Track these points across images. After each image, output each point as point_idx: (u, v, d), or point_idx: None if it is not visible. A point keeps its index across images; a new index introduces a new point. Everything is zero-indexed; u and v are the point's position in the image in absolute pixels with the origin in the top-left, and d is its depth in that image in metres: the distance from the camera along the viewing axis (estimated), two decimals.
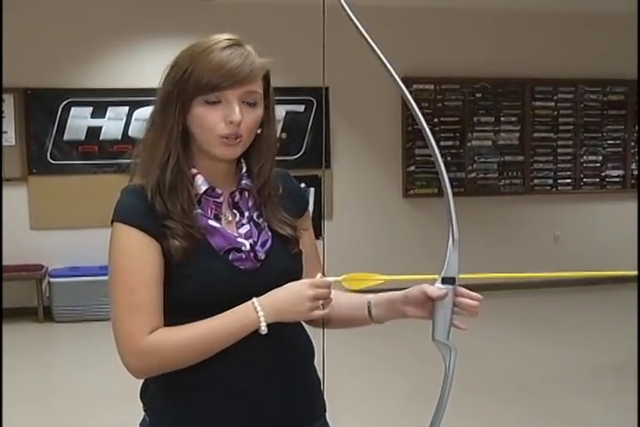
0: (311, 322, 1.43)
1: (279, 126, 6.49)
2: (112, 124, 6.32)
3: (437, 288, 1.25)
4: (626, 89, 7.29)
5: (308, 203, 1.49)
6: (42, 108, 6.20)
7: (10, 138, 6.18)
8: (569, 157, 7.30)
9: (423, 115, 1.28)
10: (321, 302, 1.26)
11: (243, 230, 1.34)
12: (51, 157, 6.25)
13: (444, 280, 1.25)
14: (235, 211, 1.36)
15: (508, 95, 7.10)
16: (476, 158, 7.05)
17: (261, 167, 1.37)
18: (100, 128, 6.33)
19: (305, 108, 6.65)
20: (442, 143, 6.62)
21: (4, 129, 6.14)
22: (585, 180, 7.36)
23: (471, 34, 6.88)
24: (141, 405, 1.40)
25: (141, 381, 1.37)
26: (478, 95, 7.03)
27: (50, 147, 6.25)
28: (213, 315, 1.25)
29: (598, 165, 7.37)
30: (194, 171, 1.32)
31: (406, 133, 6.85)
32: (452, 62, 6.82)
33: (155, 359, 1.25)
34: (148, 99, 1.37)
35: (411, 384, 4.30)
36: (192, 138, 1.32)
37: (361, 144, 6.79)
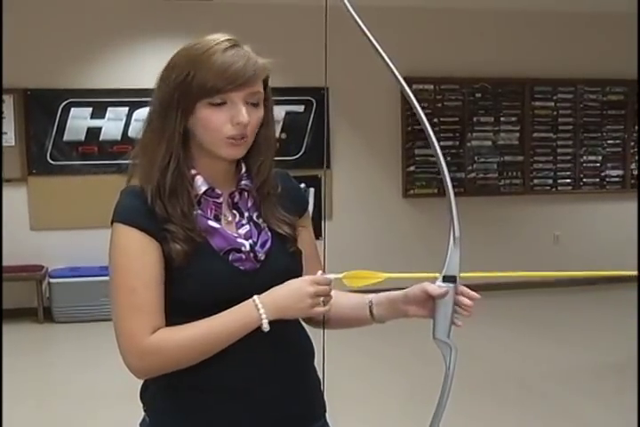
0: (311, 322, 1.43)
1: (279, 127, 6.50)
2: (112, 125, 6.32)
3: (438, 286, 1.25)
4: (625, 89, 7.29)
5: (307, 203, 1.49)
6: (41, 108, 6.20)
7: (10, 138, 6.17)
8: (569, 157, 7.30)
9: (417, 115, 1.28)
10: (322, 298, 1.26)
11: (242, 231, 1.34)
12: (50, 158, 6.25)
13: (445, 278, 1.25)
14: (234, 211, 1.36)
15: (507, 95, 7.10)
16: (475, 158, 7.05)
17: (260, 167, 1.37)
18: (100, 129, 6.32)
19: (305, 109, 6.65)
20: (442, 143, 6.51)
21: (4, 130, 6.14)
22: (585, 180, 7.36)
23: (471, 34, 6.88)
24: (141, 405, 1.40)
25: (141, 381, 1.37)
26: (478, 95, 7.04)
27: (49, 147, 6.25)
28: (213, 315, 1.25)
29: (598, 164, 7.38)
30: (193, 171, 1.32)
31: (406, 133, 6.85)
32: (451, 62, 6.82)
33: (156, 359, 1.25)
34: (148, 99, 1.36)
35: (411, 384, 4.30)
36: (193, 139, 1.31)
37: (361, 144, 6.79)
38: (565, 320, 5.94)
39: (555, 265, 6.60)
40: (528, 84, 7.09)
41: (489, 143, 7.09)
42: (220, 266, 1.29)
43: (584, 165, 7.35)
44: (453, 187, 1.27)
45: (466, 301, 1.26)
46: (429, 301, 1.28)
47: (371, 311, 1.38)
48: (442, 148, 1.28)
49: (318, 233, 1.52)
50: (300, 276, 1.34)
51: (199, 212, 1.31)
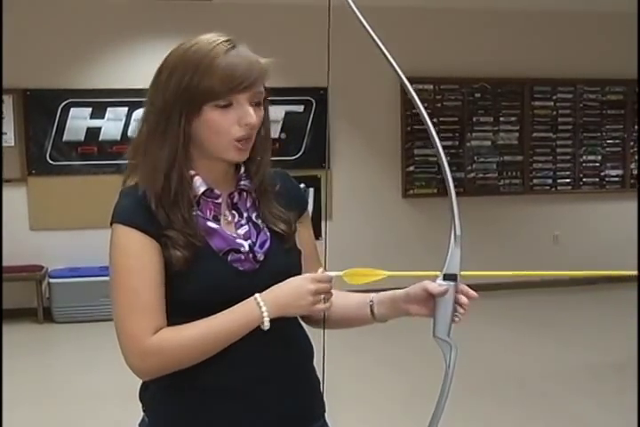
0: (311, 322, 1.43)
1: (278, 127, 6.50)
2: (111, 125, 6.32)
3: (439, 285, 1.25)
4: (625, 89, 7.30)
5: (307, 202, 1.49)
6: (41, 108, 6.19)
7: (9, 139, 6.17)
8: (568, 157, 7.30)
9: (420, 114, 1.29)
10: (322, 296, 1.26)
11: (241, 231, 1.34)
12: (50, 158, 6.25)
13: (446, 277, 1.25)
14: (233, 211, 1.36)
15: (507, 95, 7.10)
16: (475, 158, 7.05)
17: (259, 167, 1.37)
18: (100, 129, 6.32)
19: (304, 109, 6.65)
20: (441, 143, 6.61)
21: (4, 130, 6.14)
22: (584, 179, 7.36)
23: (470, 34, 6.88)
24: (140, 405, 1.40)
25: (140, 381, 1.37)
26: (477, 95, 7.04)
27: (49, 147, 6.25)
28: (213, 315, 1.25)
29: (597, 164, 7.37)
30: (192, 172, 1.31)
31: (405, 134, 6.85)
32: (451, 62, 6.82)
33: (159, 360, 1.25)
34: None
35: (411, 384, 4.30)
36: (193, 141, 1.30)
37: (360, 144, 6.79)
38: (565, 320, 5.94)
39: (554, 265, 6.60)
40: (527, 83, 7.09)
41: (488, 143, 7.10)
42: (220, 267, 1.29)
43: (583, 164, 7.34)
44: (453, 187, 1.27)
45: (463, 299, 1.26)
46: (430, 299, 1.27)
47: (372, 310, 1.37)
48: (442, 147, 1.28)
49: (318, 233, 1.52)
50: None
51: (198, 213, 1.31)
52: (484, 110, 7.07)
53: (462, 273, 1.25)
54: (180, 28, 5.63)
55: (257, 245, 1.33)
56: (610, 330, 5.43)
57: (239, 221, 1.35)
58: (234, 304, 1.25)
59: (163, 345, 1.24)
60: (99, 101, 6.28)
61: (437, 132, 1.29)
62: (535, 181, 7.25)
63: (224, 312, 1.25)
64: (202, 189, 1.31)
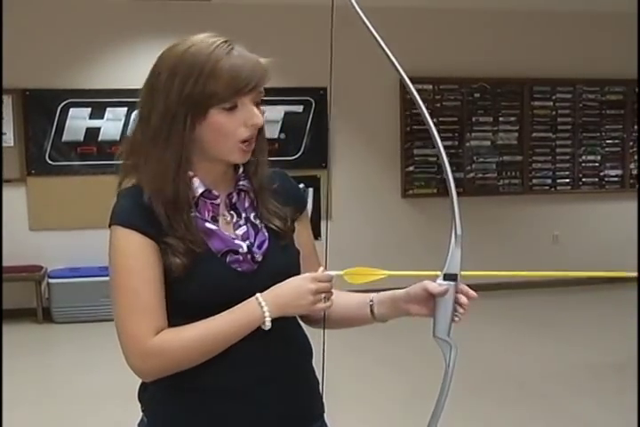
0: (311, 322, 1.43)
1: (278, 127, 6.50)
2: (111, 125, 6.32)
3: (439, 284, 1.25)
4: (624, 89, 7.30)
5: (305, 202, 1.49)
6: (40, 109, 6.19)
7: (8, 139, 6.17)
8: (567, 157, 7.30)
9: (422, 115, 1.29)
10: (323, 295, 1.26)
11: (240, 231, 1.33)
12: (49, 158, 6.25)
13: (446, 277, 1.25)
14: (232, 212, 1.35)
15: (506, 95, 7.10)
16: (474, 158, 7.06)
17: (257, 167, 1.37)
18: (99, 129, 6.32)
19: (303, 109, 6.65)
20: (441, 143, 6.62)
21: (3, 130, 6.14)
22: (584, 179, 7.36)
23: (469, 34, 6.88)
24: (140, 405, 1.40)
25: (140, 381, 1.36)
26: (477, 95, 7.04)
27: (48, 148, 6.25)
28: (212, 316, 1.25)
29: (597, 164, 7.37)
30: (190, 173, 1.31)
31: (405, 134, 6.85)
32: (450, 62, 6.82)
33: (160, 361, 1.25)
34: None
35: (411, 384, 4.30)
36: (196, 144, 1.28)
37: (360, 144, 6.79)
38: (565, 320, 5.94)
39: (554, 265, 6.59)
40: (527, 83, 7.10)
41: (488, 143, 7.10)
42: (218, 268, 1.29)
43: (583, 164, 7.34)
44: None
45: (463, 299, 1.26)
46: (431, 299, 1.27)
47: (372, 310, 1.37)
48: (443, 147, 1.28)
49: (318, 233, 1.52)
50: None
51: (196, 214, 1.30)
52: (483, 110, 7.07)
53: (462, 273, 1.25)
54: (180, 28, 5.62)
55: (255, 245, 1.33)
56: (610, 330, 5.43)
57: (237, 221, 1.34)
58: (233, 305, 1.25)
59: (164, 346, 1.24)
60: (98, 102, 6.28)
61: (437, 132, 1.29)
62: (535, 181, 7.25)
63: (225, 313, 1.25)
64: (200, 191, 1.31)
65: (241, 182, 1.36)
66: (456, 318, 1.27)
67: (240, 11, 6.34)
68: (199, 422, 1.31)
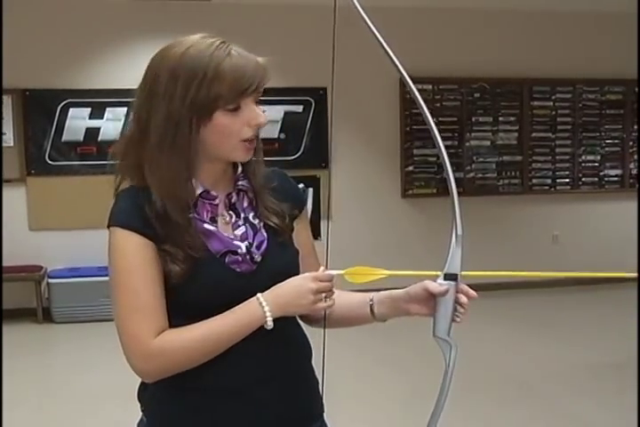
0: (310, 321, 1.43)
1: (278, 127, 6.50)
2: (110, 125, 6.31)
3: (439, 284, 1.25)
4: (624, 88, 7.30)
5: (304, 202, 1.49)
6: (40, 109, 6.19)
7: (8, 139, 6.17)
8: (567, 157, 7.30)
9: (422, 115, 1.29)
10: (324, 294, 1.26)
11: (239, 232, 1.33)
12: (49, 158, 6.25)
13: (447, 276, 1.25)
14: (231, 212, 1.35)
15: (506, 95, 7.10)
16: (474, 158, 7.06)
17: (256, 166, 1.37)
18: (99, 129, 6.32)
19: (303, 109, 6.65)
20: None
21: (3, 130, 6.14)
22: (583, 179, 7.36)
23: (469, 34, 6.88)
24: (139, 405, 1.39)
25: (139, 381, 1.36)
26: (476, 95, 7.04)
27: (48, 148, 6.25)
28: (212, 316, 1.25)
29: (597, 164, 7.37)
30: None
31: (405, 134, 6.86)
32: (450, 62, 6.82)
33: (162, 362, 1.24)
34: None
35: (411, 384, 4.30)
36: (199, 146, 1.28)
37: (360, 144, 6.79)
38: (565, 320, 5.94)
39: (554, 265, 6.60)
40: (527, 83, 7.10)
41: (487, 143, 7.10)
42: (217, 269, 1.29)
43: (583, 164, 7.35)
44: None
45: (463, 298, 1.26)
46: (431, 299, 1.27)
47: (371, 310, 1.37)
48: (444, 147, 1.28)
49: (318, 233, 1.52)
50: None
51: (195, 215, 1.30)
52: (483, 110, 7.07)
53: (462, 273, 1.25)
54: (180, 28, 5.63)
55: (254, 246, 1.32)
56: (610, 330, 5.43)
57: (236, 221, 1.34)
58: (233, 306, 1.25)
59: (166, 347, 1.24)
60: (98, 101, 6.28)
61: (438, 132, 1.29)
62: (534, 180, 7.25)
63: (226, 313, 1.25)
64: (198, 192, 1.31)
65: (240, 182, 1.36)
66: (457, 319, 1.27)
67: (240, 11, 6.34)
68: (199, 422, 1.31)
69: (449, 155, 1.27)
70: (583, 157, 7.34)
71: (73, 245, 6.27)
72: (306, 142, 6.65)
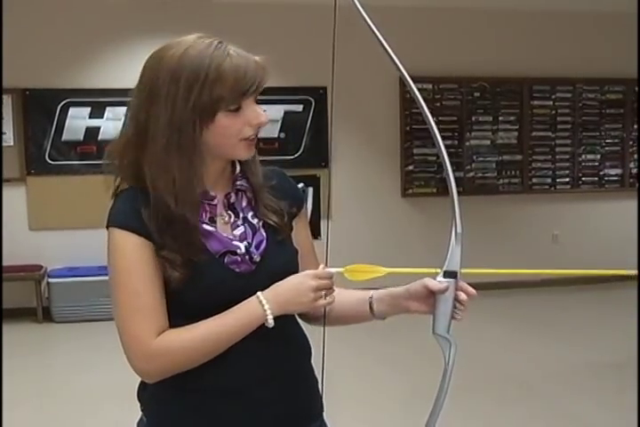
0: (309, 319, 1.43)
1: (278, 126, 6.50)
2: (110, 125, 6.31)
3: (439, 282, 1.25)
4: (624, 88, 7.30)
5: (304, 200, 1.49)
6: (40, 108, 6.19)
7: (8, 138, 6.17)
8: (567, 156, 7.30)
9: (422, 114, 1.29)
10: (324, 292, 1.26)
11: (237, 232, 1.33)
12: (49, 158, 6.25)
13: (446, 274, 1.25)
14: (230, 212, 1.35)
15: (506, 94, 7.10)
16: (474, 158, 7.06)
17: (254, 165, 1.37)
18: (99, 128, 6.32)
19: (303, 108, 6.65)
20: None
21: (3, 130, 6.14)
22: (583, 179, 7.36)
23: (469, 33, 6.88)
24: (139, 405, 1.39)
25: (139, 380, 1.36)
26: (476, 95, 7.04)
27: (48, 147, 6.24)
28: (211, 316, 1.25)
29: (597, 163, 7.38)
30: None
31: (405, 133, 6.86)
32: (450, 62, 6.82)
33: (163, 362, 1.24)
34: None
35: (411, 384, 4.29)
36: (202, 147, 1.27)
37: (359, 144, 6.78)
38: (565, 320, 5.93)
39: (553, 264, 6.55)
40: (527, 83, 7.09)
41: (487, 142, 7.10)
42: (217, 269, 1.28)
43: (583, 164, 7.35)
44: None
45: (462, 296, 1.26)
46: (431, 297, 1.28)
47: (371, 307, 1.37)
48: (444, 147, 1.28)
49: (318, 233, 1.52)
50: None
51: None
52: (483, 110, 7.07)
53: (462, 271, 1.25)
54: (180, 28, 5.62)
55: (253, 246, 1.32)
56: (610, 330, 5.43)
57: (235, 221, 1.34)
58: (233, 306, 1.25)
59: (166, 347, 1.24)
60: (98, 101, 6.28)
61: (438, 131, 1.29)
62: (534, 180, 7.25)
63: (226, 312, 1.25)
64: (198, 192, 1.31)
65: (238, 182, 1.36)
66: (457, 317, 1.27)
67: (240, 10, 6.34)
68: (198, 422, 1.31)
69: (449, 154, 1.27)
70: (583, 157, 7.34)
71: (73, 244, 6.27)
72: (306, 142, 6.65)
